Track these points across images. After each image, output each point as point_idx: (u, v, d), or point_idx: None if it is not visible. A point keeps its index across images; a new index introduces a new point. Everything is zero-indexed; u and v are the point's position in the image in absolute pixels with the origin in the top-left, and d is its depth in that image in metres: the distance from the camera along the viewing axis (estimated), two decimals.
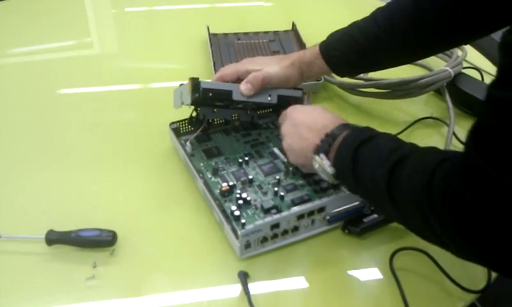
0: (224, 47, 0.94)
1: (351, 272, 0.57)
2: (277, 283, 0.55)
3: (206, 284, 0.55)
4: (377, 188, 0.48)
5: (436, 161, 0.44)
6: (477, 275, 0.57)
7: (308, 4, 1.25)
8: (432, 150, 0.48)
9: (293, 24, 1.00)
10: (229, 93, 0.66)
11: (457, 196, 0.39)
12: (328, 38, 0.70)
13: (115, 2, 1.23)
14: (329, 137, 0.55)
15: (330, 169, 0.54)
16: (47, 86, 0.87)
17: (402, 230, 0.59)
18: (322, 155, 0.55)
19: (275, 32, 1.00)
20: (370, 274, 0.57)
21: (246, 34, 0.98)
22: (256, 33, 0.99)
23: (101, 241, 0.56)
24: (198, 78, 0.64)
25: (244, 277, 0.54)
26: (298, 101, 0.68)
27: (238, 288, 0.54)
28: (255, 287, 0.54)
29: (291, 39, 0.98)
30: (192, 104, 0.66)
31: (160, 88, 0.89)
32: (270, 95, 0.67)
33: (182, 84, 0.67)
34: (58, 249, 0.56)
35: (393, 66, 0.72)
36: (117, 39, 1.08)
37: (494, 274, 0.57)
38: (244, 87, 0.65)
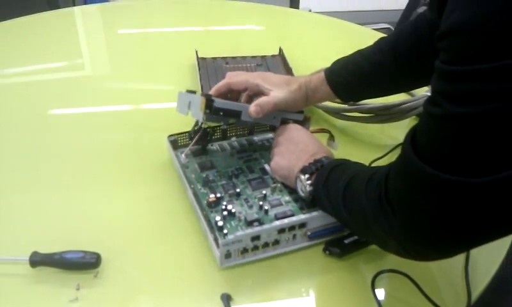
0: (213, 70, 0.96)
1: (331, 296, 0.57)
2: (260, 306, 0.56)
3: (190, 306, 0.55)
4: (337, 200, 0.55)
5: (377, 168, 0.52)
6: (457, 297, 0.57)
7: (296, 29, 1.28)
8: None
9: (280, 49, 1.03)
10: (238, 113, 0.67)
11: (389, 184, 0.47)
12: (332, 64, 0.72)
13: (107, 25, 1.25)
14: (318, 163, 0.61)
15: (309, 188, 0.60)
16: (37, 106, 0.88)
17: (383, 252, 0.60)
18: (307, 176, 0.60)
19: (262, 57, 1.02)
20: (351, 296, 0.57)
21: (233, 58, 1.00)
22: (244, 57, 1.01)
23: (85, 263, 0.56)
24: (210, 96, 0.65)
25: (226, 300, 0.54)
26: (301, 123, 0.71)
27: None
28: None
29: (278, 63, 1.00)
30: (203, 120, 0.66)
31: (150, 110, 0.90)
32: (275, 117, 0.70)
33: (190, 91, 0.67)
34: (42, 271, 0.56)
35: (396, 93, 0.76)
36: (108, 61, 1.09)
37: (474, 295, 0.57)
38: (254, 109, 0.66)
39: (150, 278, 0.58)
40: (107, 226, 0.64)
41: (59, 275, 0.56)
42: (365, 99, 0.81)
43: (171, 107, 0.93)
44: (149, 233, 0.63)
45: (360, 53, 0.71)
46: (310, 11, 1.80)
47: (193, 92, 0.66)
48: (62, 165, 0.75)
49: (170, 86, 0.97)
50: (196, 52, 1.00)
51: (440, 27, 0.39)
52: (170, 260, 0.60)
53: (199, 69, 0.94)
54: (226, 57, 1.00)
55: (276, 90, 0.68)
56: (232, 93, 0.71)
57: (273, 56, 1.02)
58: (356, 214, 0.53)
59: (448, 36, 0.38)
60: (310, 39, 1.21)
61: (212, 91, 0.70)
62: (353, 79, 0.70)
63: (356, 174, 0.54)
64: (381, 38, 0.70)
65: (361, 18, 1.63)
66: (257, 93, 0.69)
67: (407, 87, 0.76)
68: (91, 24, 1.27)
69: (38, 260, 0.56)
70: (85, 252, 0.56)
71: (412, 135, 0.44)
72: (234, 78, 0.70)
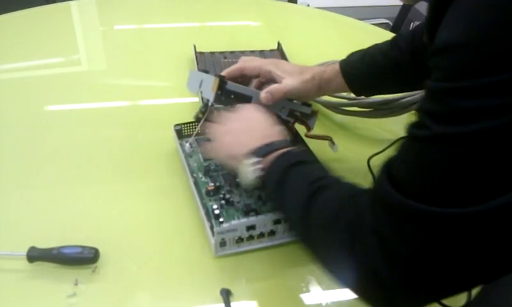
0: (211, 65, 0.95)
1: (333, 288, 0.57)
2: (260, 302, 0.55)
3: (189, 302, 0.55)
4: (296, 208, 0.50)
5: (349, 194, 0.47)
6: None
7: (294, 24, 1.27)
8: (352, 184, 0.50)
9: (278, 44, 1.02)
10: (249, 98, 0.67)
11: (364, 223, 0.42)
12: (348, 56, 0.72)
13: (104, 20, 1.24)
14: (269, 147, 0.56)
15: (254, 173, 0.55)
16: (34, 102, 0.87)
17: None
18: (256, 159, 0.56)
19: (261, 51, 1.01)
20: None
21: (232, 52, 1.00)
22: (242, 52, 1.00)
23: (83, 258, 0.56)
24: (224, 77, 0.65)
25: (226, 295, 0.54)
26: (307, 116, 0.70)
27: (221, 306, 0.54)
28: (237, 306, 0.54)
29: (277, 58, 0.99)
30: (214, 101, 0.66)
31: (147, 105, 0.90)
32: (283, 107, 0.69)
33: (205, 71, 0.67)
34: (40, 266, 0.56)
35: (408, 91, 0.74)
36: (105, 56, 1.09)
37: (474, 291, 0.57)
38: (265, 96, 0.66)
39: (149, 273, 0.57)
40: (105, 221, 0.63)
41: (57, 270, 0.56)
42: (378, 94, 0.79)
43: (169, 102, 0.92)
44: (147, 228, 0.63)
45: (376, 47, 0.70)
46: (308, 6, 1.79)
47: (206, 72, 0.67)
48: (60, 161, 0.74)
49: (168, 80, 0.97)
50: (194, 46, 0.99)
51: (432, 46, 0.38)
52: (169, 254, 0.60)
53: (197, 63, 0.94)
54: (224, 52, 1.00)
55: (289, 78, 0.67)
56: (243, 78, 0.70)
57: (272, 51, 1.02)
58: (320, 239, 0.47)
59: (438, 53, 0.37)
60: (308, 34, 1.21)
61: (223, 74, 0.69)
62: (368, 72, 0.69)
63: (320, 187, 0.49)
64: (399, 34, 0.70)
65: (359, 13, 1.62)
66: (269, 79, 0.69)
67: (421, 85, 0.75)
68: (88, 19, 1.26)
69: (35, 255, 0.56)
70: (83, 247, 0.56)
71: (387, 167, 0.41)
72: (248, 63, 0.70)
